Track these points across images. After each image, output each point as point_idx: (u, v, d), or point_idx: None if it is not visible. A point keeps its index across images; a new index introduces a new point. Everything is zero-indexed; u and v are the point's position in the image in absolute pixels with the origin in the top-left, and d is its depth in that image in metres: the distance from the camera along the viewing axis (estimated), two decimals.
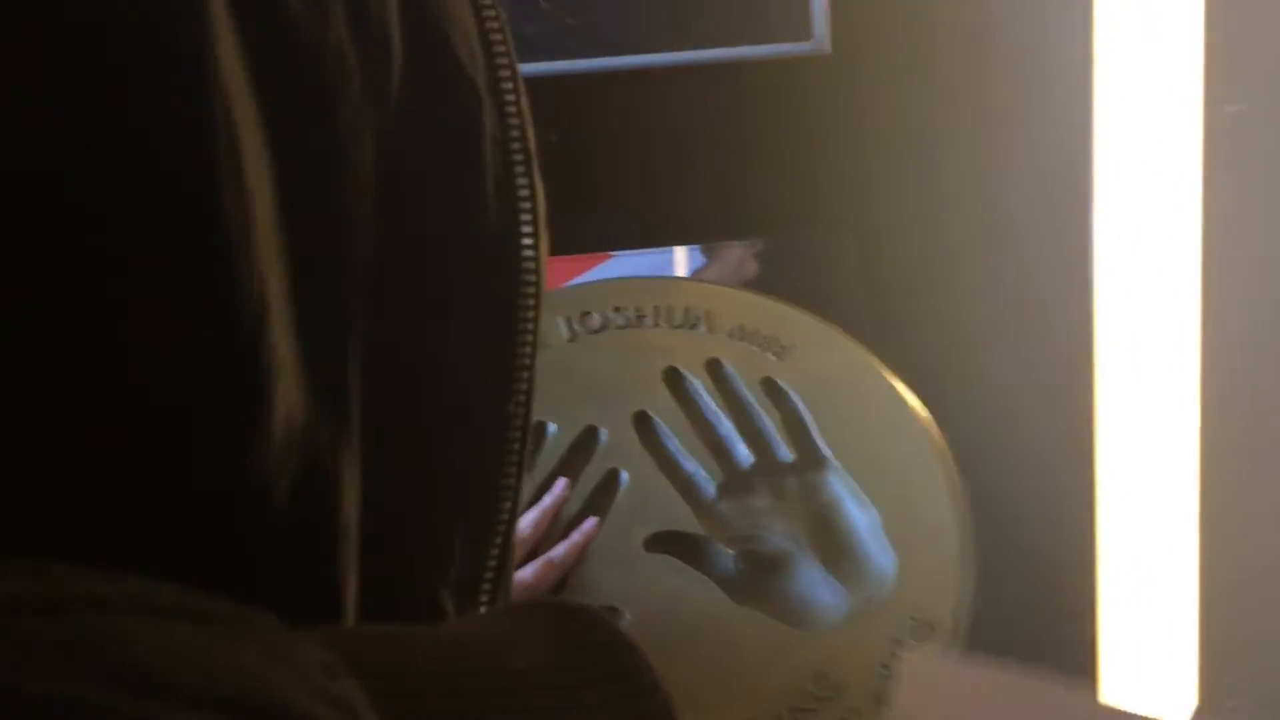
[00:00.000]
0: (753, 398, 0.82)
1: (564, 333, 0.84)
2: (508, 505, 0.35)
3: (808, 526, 0.78)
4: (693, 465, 0.79)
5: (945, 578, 0.74)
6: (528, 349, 0.34)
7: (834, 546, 0.77)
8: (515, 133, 0.33)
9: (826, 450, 0.79)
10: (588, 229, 0.93)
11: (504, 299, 0.33)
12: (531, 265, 0.33)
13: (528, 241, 0.33)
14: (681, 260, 0.93)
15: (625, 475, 0.78)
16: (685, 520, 0.77)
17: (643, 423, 0.81)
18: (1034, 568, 0.88)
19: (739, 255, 0.94)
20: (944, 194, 0.90)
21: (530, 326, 0.34)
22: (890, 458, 0.79)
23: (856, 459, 0.79)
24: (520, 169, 0.33)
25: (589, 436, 0.80)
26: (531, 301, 0.34)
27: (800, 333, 0.85)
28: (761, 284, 0.91)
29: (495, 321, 0.34)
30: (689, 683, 0.70)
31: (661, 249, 0.94)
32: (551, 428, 0.80)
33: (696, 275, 0.93)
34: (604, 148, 0.91)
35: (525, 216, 0.34)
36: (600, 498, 0.78)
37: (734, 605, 0.73)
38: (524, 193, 0.33)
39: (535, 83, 0.35)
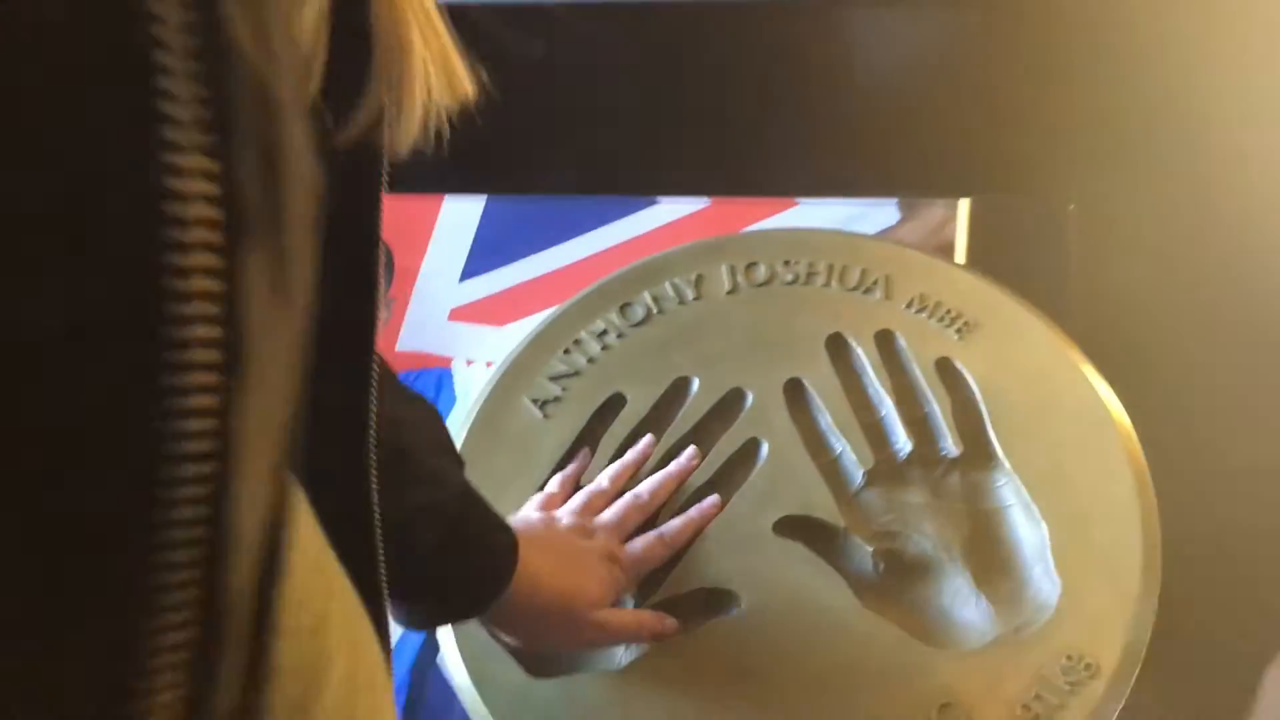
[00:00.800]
0: (923, 379, 0.72)
1: (725, 283, 0.77)
2: None
3: (963, 533, 0.68)
4: (842, 446, 0.71)
5: (1118, 616, 0.63)
6: None
7: (990, 560, 0.68)
8: None
9: (999, 450, 0.69)
10: (771, 171, 0.85)
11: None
12: None
13: None
14: (874, 217, 0.84)
15: (766, 447, 0.71)
16: (824, 506, 0.69)
17: (795, 392, 0.73)
18: (1226, 612, 0.76)
19: (939, 216, 0.84)
20: (1177, 175, 0.77)
21: None
22: (1075, 468, 0.68)
23: (1034, 465, 0.69)
24: None
25: (733, 399, 0.73)
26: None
27: (990, 311, 0.74)
28: (960, 252, 0.81)
29: None
30: (795, 686, 0.63)
31: (853, 200, 0.85)
32: (695, 384, 0.73)
33: (886, 234, 0.83)
34: (796, 80, 0.83)
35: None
36: (734, 468, 0.71)
37: (862, 609, 0.65)
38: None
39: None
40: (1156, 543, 0.66)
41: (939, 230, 0.83)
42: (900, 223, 0.84)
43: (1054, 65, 0.82)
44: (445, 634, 0.66)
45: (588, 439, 0.72)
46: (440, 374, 0.81)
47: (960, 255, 0.81)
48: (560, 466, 0.71)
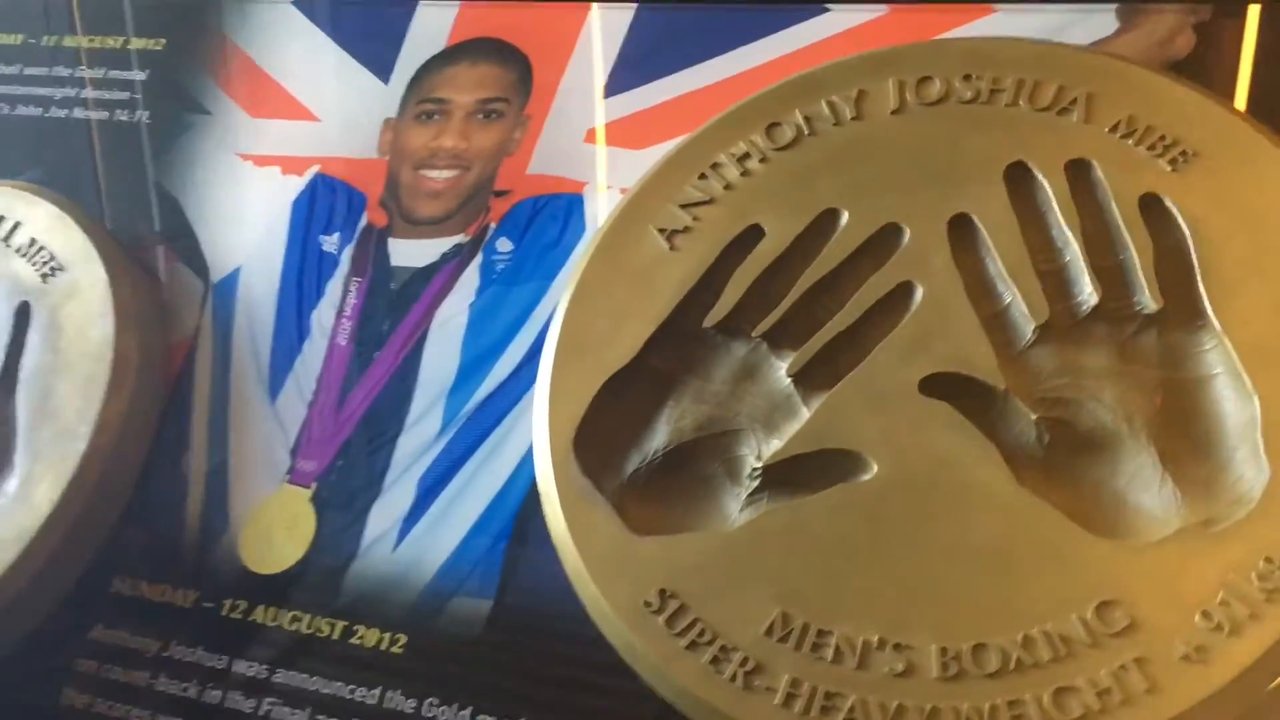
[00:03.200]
0: (1121, 219, 0.60)
1: (891, 101, 0.66)
2: None
3: (1153, 403, 0.57)
4: (1012, 295, 0.60)
5: None
6: None
7: (1184, 437, 0.56)
8: None
9: (1210, 307, 0.57)
10: None
11: None
12: None
13: None
14: (1086, 26, 0.70)
15: (920, 291, 0.61)
16: (982, 363, 0.58)
17: (962, 229, 0.62)
18: None
19: (1170, 25, 0.69)
20: None
21: None
22: None
23: (1252, 328, 0.56)
24: None
25: (889, 235, 0.62)
26: None
27: (1217, 138, 0.61)
28: (1191, 68, 0.67)
29: None
30: (926, 565, 0.54)
31: (1062, 5, 0.71)
32: (844, 218, 0.63)
33: (1099, 46, 0.69)
34: None
35: None
36: (880, 315, 0.61)
37: (1018, 487, 0.55)
38: None
39: None
40: None
41: (1167, 43, 0.69)
42: (1117, 33, 0.70)
43: None
44: (547, 478, 0.61)
45: (717, 274, 0.63)
46: (570, 200, 0.74)
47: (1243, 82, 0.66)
48: (685, 304, 0.63)
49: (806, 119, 0.66)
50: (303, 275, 0.76)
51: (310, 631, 0.66)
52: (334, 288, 0.75)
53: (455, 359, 0.71)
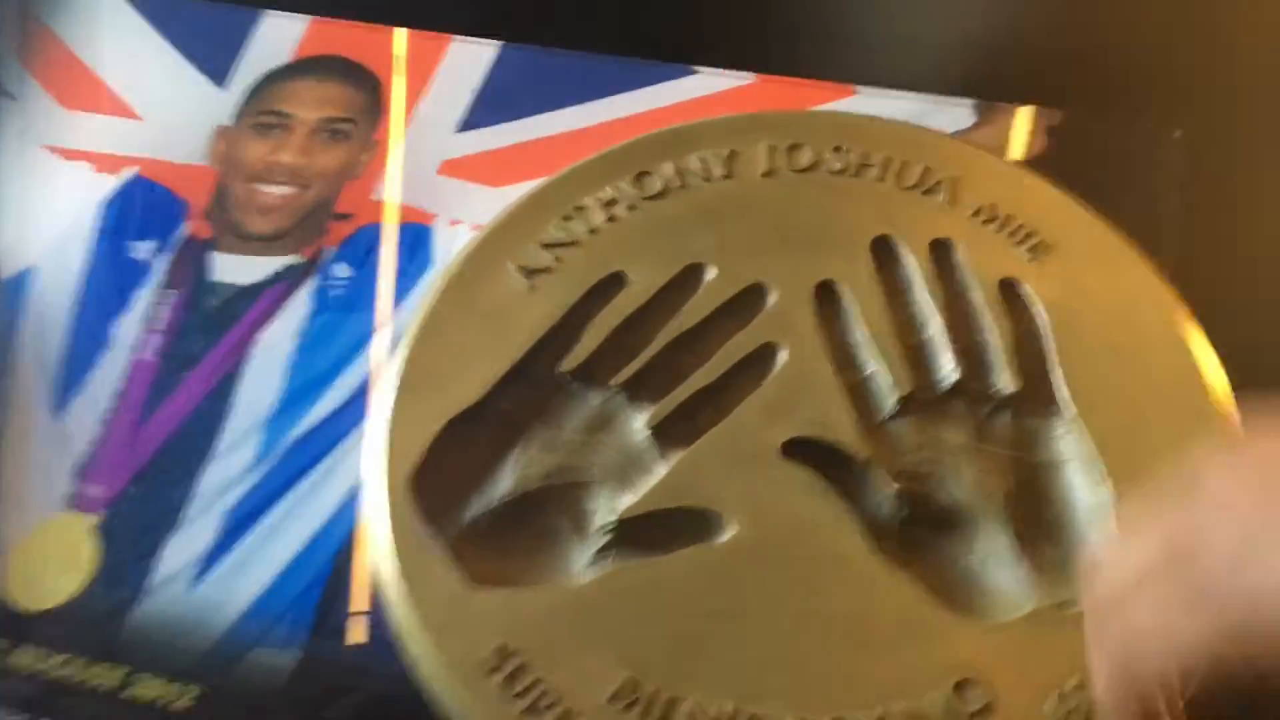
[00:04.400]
0: (982, 300, 0.61)
1: (762, 163, 0.65)
2: None
3: (1009, 484, 0.57)
4: (876, 366, 0.59)
5: None
6: None
7: (1039, 519, 0.56)
8: None
9: (1064, 394, 0.58)
10: (830, 51, 0.73)
11: None
12: None
13: None
14: (943, 117, 0.72)
15: (784, 354, 0.59)
16: (844, 430, 0.57)
17: (827, 295, 0.61)
18: None
19: (1026, 125, 0.72)
20: None
21: None
22: (1152, 426, 0.57)
23: (1103, 416, 0.57)
24: None
25: (754, 295, 0.61)
26: None
27: (1071, 231, 0.62)
28: (1043, 166, 0.69)
29: None
30: (780, 634, 0.52)
31: (921, 95, 0.72)
32: (709, 273, 0.62)
33: (960, 136, 0.71)
34: None
35: None
36: (743, 374, 0.59)
37: (875, 558, 0.54)
38: None
39: None
40: None
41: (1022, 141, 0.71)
42: (974, 127, 0.72)
43: None
44: (378, 519, 0.55)
45: (576, 319, 0.60)
46: (418, 231, 0.70)
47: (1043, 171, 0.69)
48: (540, 347, 0.60)
49: (678, 171, 0.65)
50: (106, 282, 0.69)
51: (81, 679, 0.58)
52: (142, 299, 0.68)
53: (278, 386, 0.65)
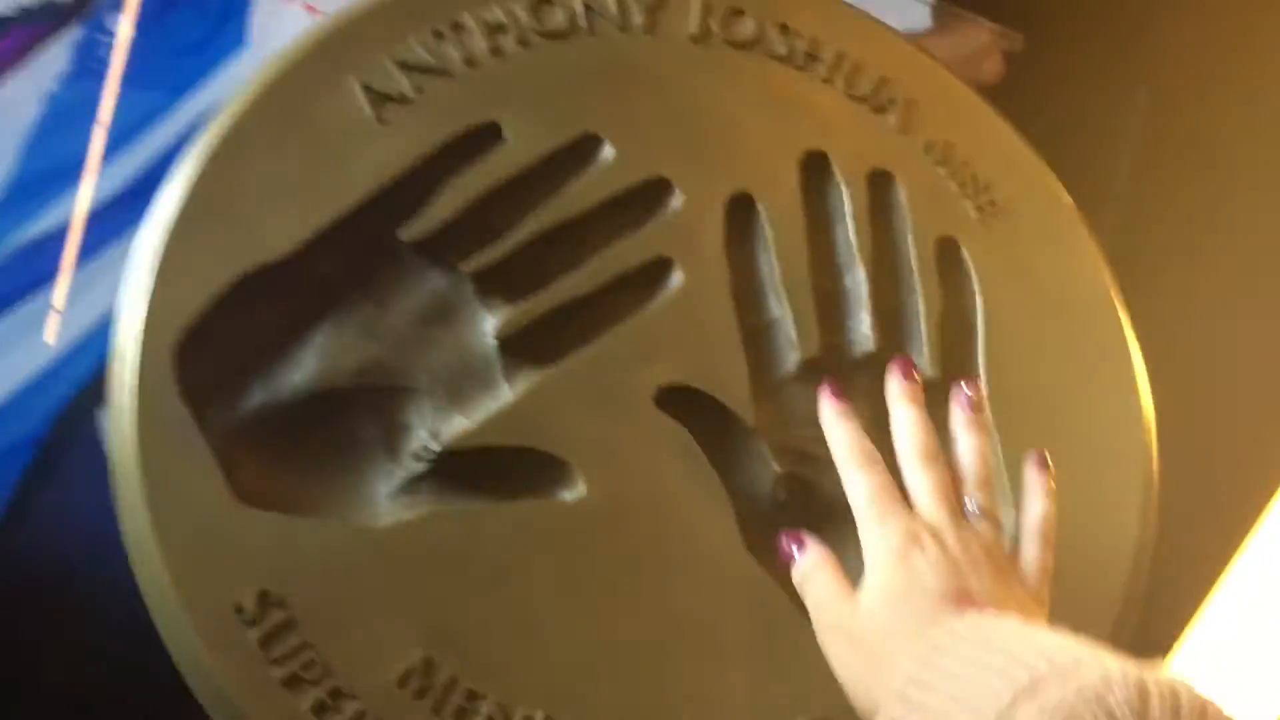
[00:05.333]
0: (915, 259, 0.51)
1: (693, 22, 0.52)
2: None
3: None
4: (782, 312, 0.49)
5: (1085, 625, 0.46)
6: None
7: None
8: None
9: (983, 379, 0.50)
10: None
11: None
12: None
13: None
14: (897, 11, 0.61)
15: (678, 277, 0.48)
16: (735, 388, 0.47)
17: (740, 212, 0.50)
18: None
19: (980, 43, 0.61)
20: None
21: None
22: (1074, 428, 0.49)
23: (1025, 410, 0.49)
24: None
25: (654, 192, 0.49)
26: None
27: (1027, 194, 0.53)
28: (998, 97, 0.59)
29: None
30: (615, 634, 0.43)
31: None
32: (607, 151, 0.49)
33: (915, 40, 0.60)
34: None
35: None
36: (628, 291, 0.48)
37: (741, 547, 0.45)
38: None
39: None
40: (1147, 552, 0.49)
41: (975, 61, 0.61)
42: (932, 32, 0.61)
43: None
44: (124, 388, 0.42)
45: (432, 173, 0.47)
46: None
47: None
48: (379, 200, 0.46)
49: (587, 7, 0.51)
50: None
51: None
52: None
53: (5, 167, 0.49)
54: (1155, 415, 0.51)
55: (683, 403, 0.46)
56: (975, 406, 0.44)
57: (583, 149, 0.49)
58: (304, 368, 0.45)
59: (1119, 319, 0.52)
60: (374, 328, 0.46)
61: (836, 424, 0.42)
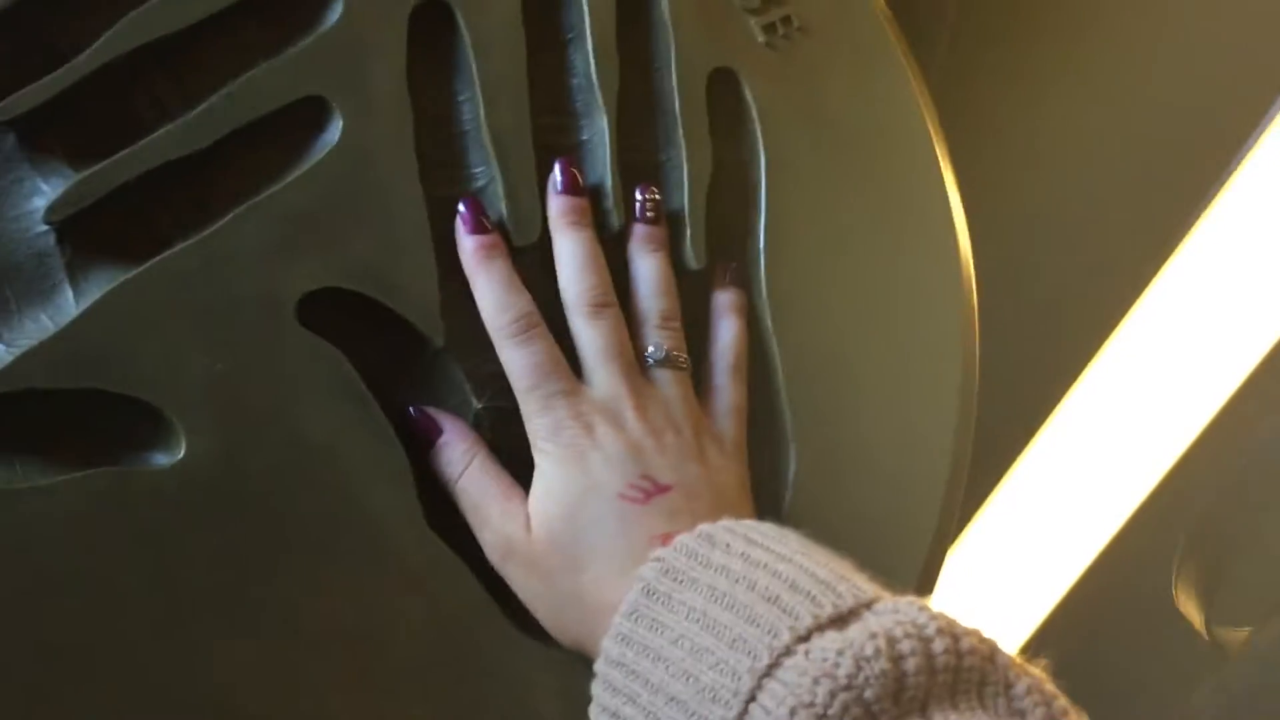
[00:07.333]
0: (679, 97, 0.37)
1: None
2: None
3: None
4: (491, 177, 0.35)
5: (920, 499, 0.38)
6: None
7: None
8: None
9: (763, 300, 0.37)
10: None
11: None
12: None
13: None
14: None
15: (338, 125, 0.33)
16: (418, 290, 0.34)
17: (432, 27, 0.35)
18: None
19: None
20: None
21: None
22: (883, 309, 0.39)
23: (824, 295, 0.38)
24: None
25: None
26: None
27: (838, 19, 0.40)
28: None
29: None
30: (235, 664, 0.30)
31: None
32: None
33: None
34: None
35: None
36: (261, 146, 0.33)
37: (422, 524, 0.33)
38: None
39: None
40: (968, 437, 0.39)
41: None
42: None
43: None
44: None
45: None
46: None
47: None
48: None
49: None
50: None
51: None
52: None
53: None
54: (978, 285, 0.41)
55: (339, 317, 0.33)
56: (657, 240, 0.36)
57: None
58: None
59: (940, 173, 0.40)
60: None
61: (481, 274, 0.33)
